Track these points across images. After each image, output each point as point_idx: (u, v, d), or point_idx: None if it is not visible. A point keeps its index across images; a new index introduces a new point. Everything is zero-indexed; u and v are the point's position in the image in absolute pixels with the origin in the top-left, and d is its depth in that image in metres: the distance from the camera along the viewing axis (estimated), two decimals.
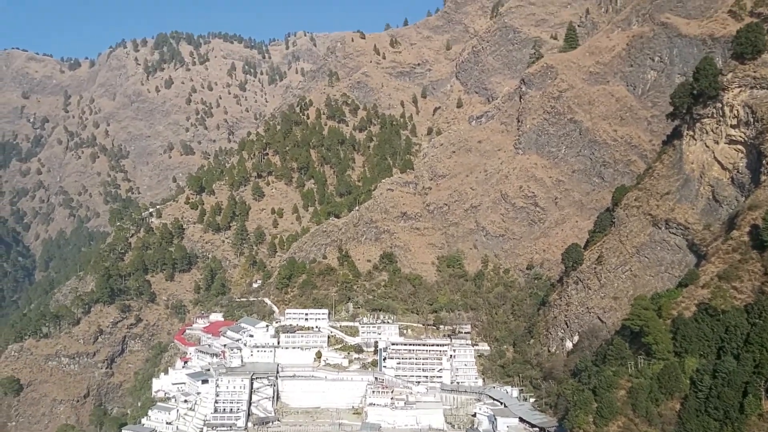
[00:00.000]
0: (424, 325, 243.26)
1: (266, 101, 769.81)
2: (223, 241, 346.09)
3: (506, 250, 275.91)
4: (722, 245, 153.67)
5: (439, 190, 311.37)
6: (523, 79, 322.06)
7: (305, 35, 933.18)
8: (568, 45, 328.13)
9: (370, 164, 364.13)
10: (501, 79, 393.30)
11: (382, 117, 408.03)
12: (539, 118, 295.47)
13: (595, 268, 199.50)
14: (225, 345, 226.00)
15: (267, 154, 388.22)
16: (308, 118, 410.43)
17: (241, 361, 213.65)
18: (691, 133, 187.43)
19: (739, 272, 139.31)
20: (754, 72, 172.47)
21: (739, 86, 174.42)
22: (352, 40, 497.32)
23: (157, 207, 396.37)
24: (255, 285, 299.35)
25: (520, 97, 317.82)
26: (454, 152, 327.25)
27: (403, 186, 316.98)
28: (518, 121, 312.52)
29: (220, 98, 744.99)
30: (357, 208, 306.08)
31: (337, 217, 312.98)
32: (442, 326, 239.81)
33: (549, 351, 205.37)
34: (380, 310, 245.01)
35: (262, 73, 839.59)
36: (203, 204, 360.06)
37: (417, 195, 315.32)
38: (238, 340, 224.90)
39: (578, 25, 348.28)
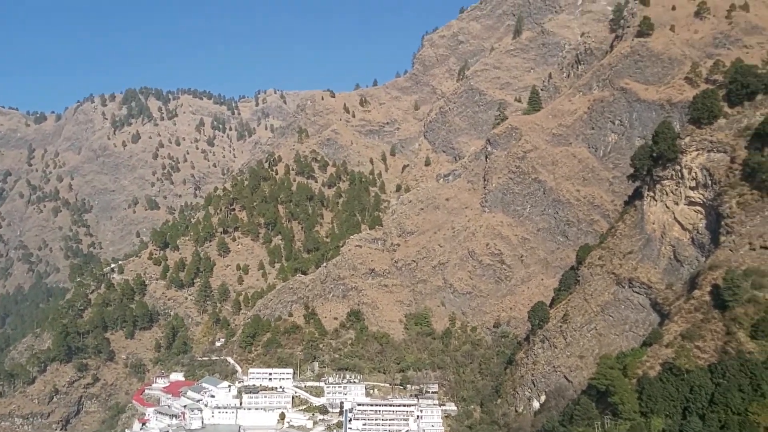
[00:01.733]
0: (390, 384, 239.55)
1: (234, 157, 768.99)
2: (186, 298, 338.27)
3: (473, 307, 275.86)
4: (684, 304, 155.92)
5: (407, 247, 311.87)
6: (488, 139, 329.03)
7: (275, 93, 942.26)
8: (532, 107, 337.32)
9: (339, 220, 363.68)
10: (467, 139, 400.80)
11: (351, 174, 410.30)
12: (504, 178, 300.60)
13: (560, 326, 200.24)
14: (185, 406, 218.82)
15: (234, 209, 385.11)
16: (277, 173, 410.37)
17: (202, 422, 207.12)
18: (652, 194, 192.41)
19: (701, 332, 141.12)
20: (711, 136, 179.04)
21: (697, 149, 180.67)
22: (322, 99, 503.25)
23: (119, 262, 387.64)
24: (218, 343, 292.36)
25: (486, 157, 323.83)
26: (422, 209, 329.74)
27: (371, 242, 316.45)
28: (484, 180, 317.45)
29: (188, 153, 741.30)
30: (324, 264, 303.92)
31: (304, 273, 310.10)
32: (409, 386, 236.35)
33: (516, 411, 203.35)
34: (346, 370, 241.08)
35: (230, 129, 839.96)
36: (167, 260, 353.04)
37: (385, 252, 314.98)
38: (199, 401, 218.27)
39: (541, 89, 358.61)
